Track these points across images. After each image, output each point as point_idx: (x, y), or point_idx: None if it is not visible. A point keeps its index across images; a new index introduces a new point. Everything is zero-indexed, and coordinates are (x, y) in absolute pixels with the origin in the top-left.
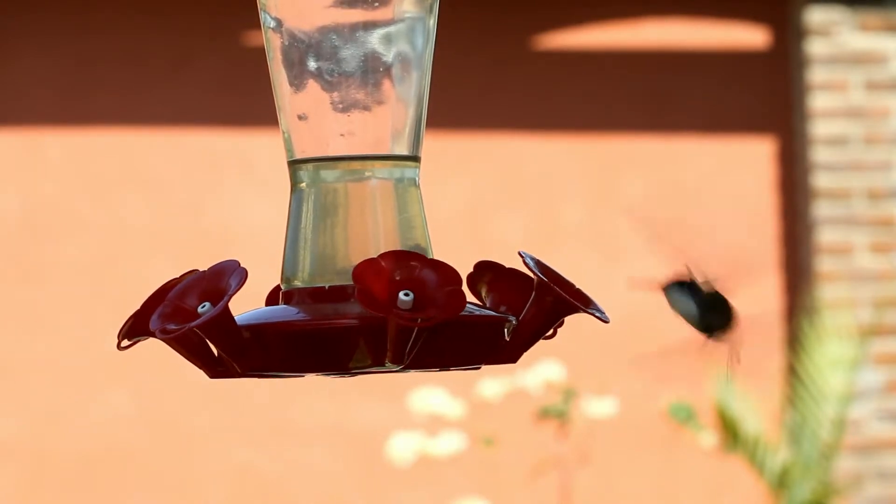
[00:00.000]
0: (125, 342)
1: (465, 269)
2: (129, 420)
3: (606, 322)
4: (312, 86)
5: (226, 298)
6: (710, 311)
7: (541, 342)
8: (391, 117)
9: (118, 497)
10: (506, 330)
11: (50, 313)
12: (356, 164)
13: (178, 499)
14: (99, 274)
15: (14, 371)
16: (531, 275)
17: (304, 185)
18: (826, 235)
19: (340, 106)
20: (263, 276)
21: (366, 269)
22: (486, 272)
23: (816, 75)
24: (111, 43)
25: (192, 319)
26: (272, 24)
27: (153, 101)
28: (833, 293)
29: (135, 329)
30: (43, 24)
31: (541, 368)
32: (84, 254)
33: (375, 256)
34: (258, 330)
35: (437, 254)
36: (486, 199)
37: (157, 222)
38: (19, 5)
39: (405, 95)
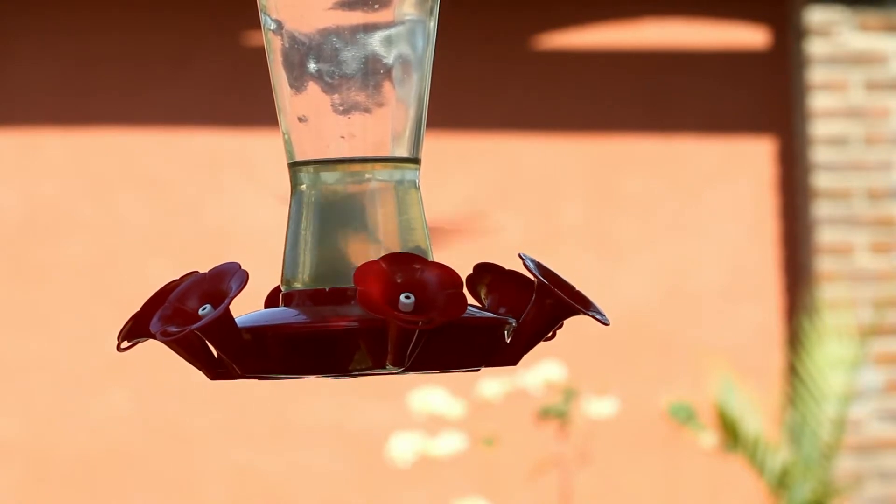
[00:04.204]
0: (125, 343)
1: (464, 271)
2: (129, 420)
3: (606, 324)
4: (313, 88)
5: (227, 301)
6: None
7: (541, 343)
8: (391, 119)
9: (118, 497)
10: (506, 332)
11: (50, 313)
12: (356, 167)
13: (178, 499)
14: (99, 274)
15: (14, 371)
16: (531, 277)
17: (304, 186)
18: (826, 235)
19: (341, 108)
20: (263, 278)
21: (366, 272)
22: (486, 274)
23: (816, 75)
24: (111, 43)
25: (193, 321)
26: (272, 25)
27: (153, 101)
28: (833, 293)
29: (135, 331)
30: (43, 24)
31: (541, 368)
32: (84, 254)
33: (376, 259)
34: (259, 332)
35: (437, 255)
36: (486, 199)
37: (157, 222)
38: (19, 5)
39: (405, 97)
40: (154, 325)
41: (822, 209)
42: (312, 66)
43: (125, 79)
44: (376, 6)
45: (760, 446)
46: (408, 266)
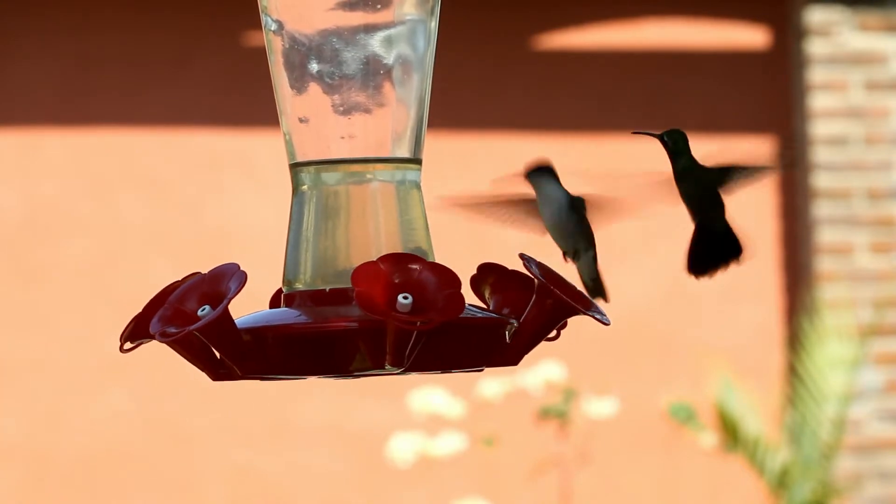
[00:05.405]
0: (128, 345)
1: (465, 271)
2: (129, 420)
3: (607, 324)
4: (314, 88)
5: (225, 302)
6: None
7: (542, 342)
8: (392, 120)
9: (118, 497)
10: (507, 332)
11: (50, 313)
12: (357, 167)
13: (178, 499)
14: (99, 274)
15: (14, 371)
16: (533, 277)
17: (305, 187)
18: (826, 235)
19: (342, 109)
20: (263, 278)
21: (365, 272)
22: (490, 274)
23: (816, 75)
24: (111, 43)
25: (192, 322)
26: (273, 26)
27: (153, 101)
28: (833, 293)
29: (137, 332)
30: (43, 24)
31: (541, 368)
32: (84, 254)
33: (375, 259)
34: (259, 333)
35: (439, 255)
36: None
37: (157, 222)
38: (19, 5)
39: (406, 98)
40: (153, 326)
41: (822, 209)
42: (313, 66)
43: (125, 79)
44: (377, 7)
45: (760, 446)
46: (406, 266)
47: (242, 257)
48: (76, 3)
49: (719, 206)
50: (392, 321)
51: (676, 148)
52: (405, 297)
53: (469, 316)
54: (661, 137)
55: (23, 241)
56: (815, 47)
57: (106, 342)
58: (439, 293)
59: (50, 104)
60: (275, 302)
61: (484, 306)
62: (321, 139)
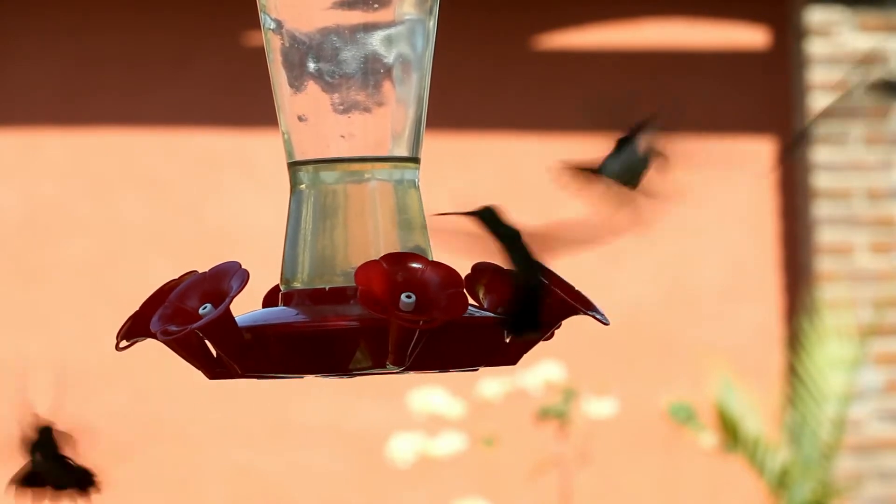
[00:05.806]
0: (124, 343)
1: (464, 271)
2: (129, 420)
3: (606, 324)
4: (312, 87)
5: (228, 300)
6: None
7: (540, 343)
8: (391, 119)
9: (118, 497)
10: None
11: (50, 313)
12: (356, 166)
13: (178, 499)
14: (99, 274)
15: (14, 371)
16: None
17: (303, 186)
18: (826, 235)
19: (340, 107)
20: (263, 278)
21: (368, 271)
22: (484, 274)
23: (816, 75)
24: (111, 43)
25: (194, 321)
26: (272, 25)
27: (153, 101)
28: (833, 293)
29: (133, 330)
30: (43, 24)
31: (541, 369)
32: (84, 254)
33: (377, 258)
34: (259, 331)
35: (437, 255)
36: (485, 199)
37: (157, 222)
38: (19, 5)
39: (405, 97)
40: (154, 324)
41: (822, 209)
42: (312, 65)
43: (125, 79)
44: (376, 6)
45: (760, 446)
46: (409, 266)
47: (242, 257)
48: (76, 3)
49: (537, 267)
50: (395, 320)
51: (489, 222)
52: (408, 296)
53: (470, 315)
54: (471, 215)
55: (23, 241)
56: (815, 47)
57: (106, 342)
58: (442, 292)
59: (50, 104)
60: (268, 301)
61: (480, 306)
62: (320, 138)
